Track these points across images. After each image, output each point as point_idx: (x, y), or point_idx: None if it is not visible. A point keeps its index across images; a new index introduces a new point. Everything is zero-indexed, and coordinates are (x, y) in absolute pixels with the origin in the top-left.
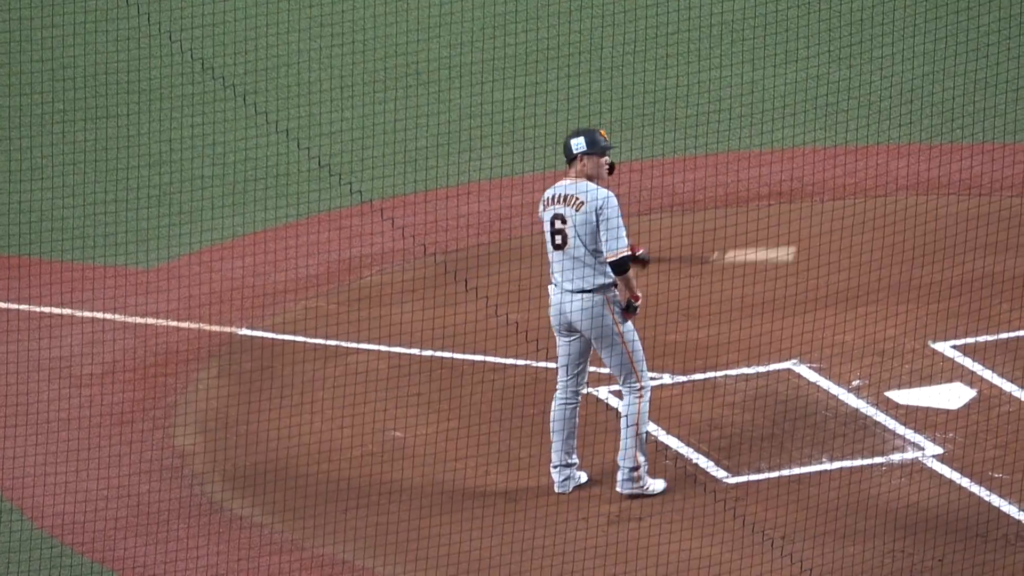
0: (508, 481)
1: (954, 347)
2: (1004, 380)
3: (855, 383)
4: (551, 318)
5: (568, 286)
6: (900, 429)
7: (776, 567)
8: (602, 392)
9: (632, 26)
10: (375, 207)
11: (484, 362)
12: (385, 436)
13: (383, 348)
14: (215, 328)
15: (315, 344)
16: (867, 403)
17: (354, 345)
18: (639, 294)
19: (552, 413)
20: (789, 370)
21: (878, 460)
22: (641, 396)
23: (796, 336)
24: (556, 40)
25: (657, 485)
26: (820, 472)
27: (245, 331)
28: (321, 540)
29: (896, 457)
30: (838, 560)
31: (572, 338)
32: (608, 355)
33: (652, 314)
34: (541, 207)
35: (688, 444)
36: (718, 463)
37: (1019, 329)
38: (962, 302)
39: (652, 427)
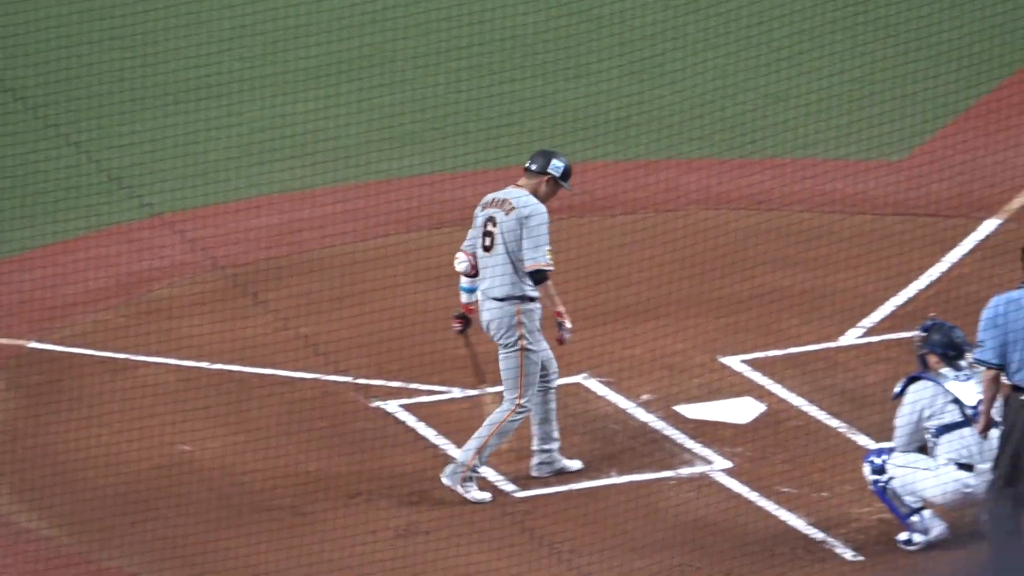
0: (296, 495)
1: (743, 361)
2: (793, 394)
3: (644, 397)
4: (481, 324)
5: (487, 289)
6: (689, 443)
7: None
8: (390, 405)
9: (424, 39)
10: (166, 220)
11: (273, 375)
12: (174, 449)
13: (172, 361)
14: (4, 341)
15: (104, 357)
16: (656, 417)
17: (143, 358)
18: (562, 310)
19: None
20: (578, 384)
21: (667, 474)
22: (515, 412)
23: (586, 350)
24: (349, 53)
25: (479, 495)
26: (609, 486)
27: (34, 344)
28: (109, 553)
29: (685, 471)
30: (626, 573)
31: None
32: (504, 364)
33: (443, 327)
34: (479, 207)
35: None
36: (507, 477)
37: (808, 344)
38: (751, 316)
39: (442, 441)
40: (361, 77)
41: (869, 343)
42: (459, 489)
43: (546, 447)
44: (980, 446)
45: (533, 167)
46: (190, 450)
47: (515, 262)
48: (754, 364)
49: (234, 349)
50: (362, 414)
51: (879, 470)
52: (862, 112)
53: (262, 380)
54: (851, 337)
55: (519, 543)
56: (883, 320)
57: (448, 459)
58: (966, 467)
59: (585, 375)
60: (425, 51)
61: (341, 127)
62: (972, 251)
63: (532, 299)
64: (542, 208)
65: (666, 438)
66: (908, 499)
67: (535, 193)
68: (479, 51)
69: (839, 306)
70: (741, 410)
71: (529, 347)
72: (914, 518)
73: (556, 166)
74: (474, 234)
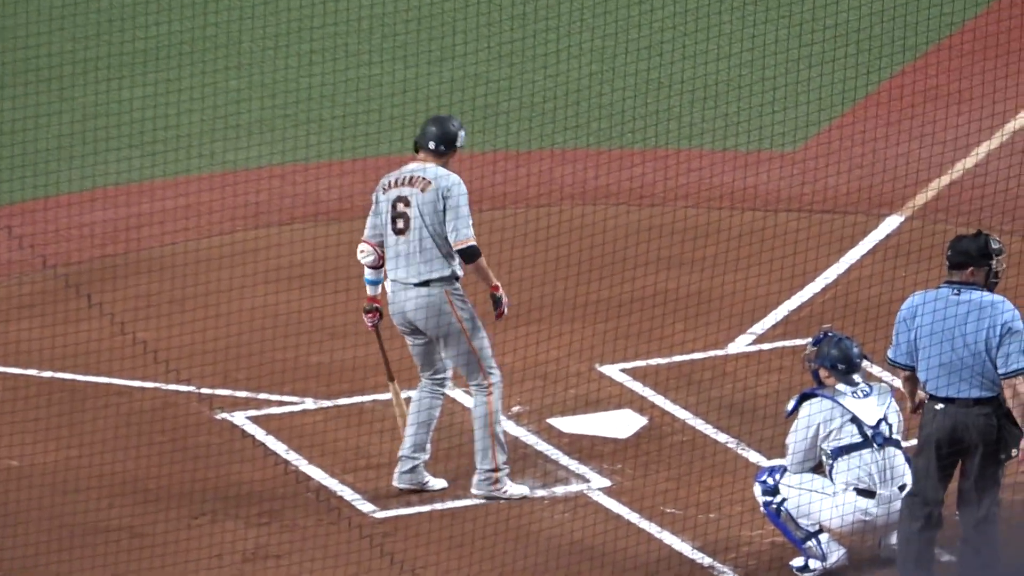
0: (134, 515)
1: (623, 371)
2: (677, 407)
3: (515, 409)
4: (391, 314)
5: (404, 277)
6: (564, 459)
7: None
8: (237, 417)
9: (273, 19)
10: None
11: (109, 384)
12: (0, 464)
13: None
14: None
15: None
16: (528, 431)
17: None
18: (498, 283)
19: (412, 400)
20: (443, 395)
21: (540, 493)
22: (491, 393)
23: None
24: (191, 34)
25: (517, 489)
26: (476, 506)
27: None
28: None
29: (560, 490)
30: None
31: (416, 336)
32: (452, 352)
33: (294, 332)
34: (380, 191)
35: (332, 475)
36: (364, 496)
37: (693, 352)
38: (632, 322)
39: (293, 456)
40: (204, 60)
41: (760, 351)
42: (497, 495)
43: (415, 456)
44: (880, 469)
45: (441, 147)
46: (18, 465)
47: (437, 242)
48: (635, 374)
49: (66, 356)
50: (206, 427)
51: (771, 491)
52: (752, 99)
53: (97, 389)
54: (740, 345)
55: (378, 568)
56: (775, 326)
57: (302, 475)
58: (865, 492)
59: (450, 385)
60: (274, 31)
61: (183, 114)
62: (872, 251)
63: (458, 278)
64: (459, 179)
65: (539, 454)
66: (803, 522)
67: (445, 167)
68: (333, 32)
69: (727, 311)
70: (621, 424)
71: (468, 324)
72: (810, 543)
73: (463, 137)
74: (377, 221)
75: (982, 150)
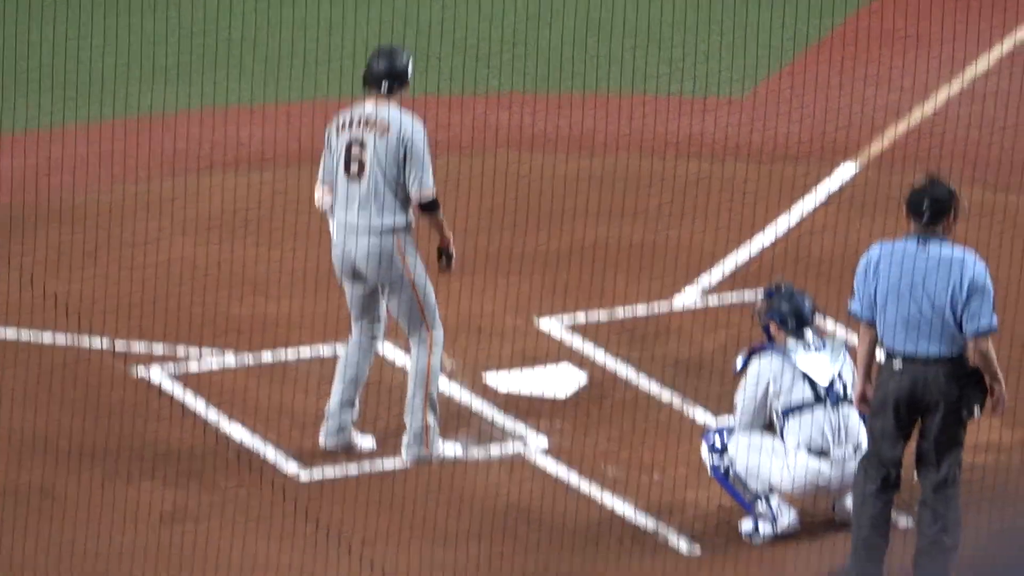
0: (45, 475)
1: (563, 325)
2: (619, 363)
3: (449, 365)
4: (334, 260)
5: (355, 222)
6: (500, 418)
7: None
8: (154, 373)
9: None
10: None
11: (18, 340)
12: None
13: None
14: None
15: None
16: (463, 388)
17: None
18: (450, 236)
19: (341, 355)
20: (373, 350)
21: (474, 453)
22: (432, 350)
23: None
24: None
25: (450, 450)
26: (406, 467)
27: None
28: None
29: (495, 450)
30: (427, 566)
31: (358, 285)
32: (396, 303)
33: (214, 286)
34: (333, 130)
35: (255, 433)
36: (289, 456)
37: (637, 305)
38: (572, 274)
39: (213, 415)
40: (119, 0)
41: (707, 305)
42: (428, 456)
43: (343, 414)
44: (834, 429)
45: (394, 84)
46: None
47: (393, 188)
48: (576, 328)
49: None
50: (121, 383)
51: (719, 451)
52: (699, 43)
53: (5, 344)
54: (687, 299)
55: (303, 532)
56: (723, 280)
57: (222, 434)
58: (819, 453)
59: (380, 340)
60: None
61: (96, 56)
62: (825, 201)
63: (410, 226)
64: (421, 125)
65: (474, 412)
66: (752, 484)
67: (399, 103)
68: None
69: (673, 264)
70: (560, 380)
71: (417, 276)
72: (760, 505)
73: (411, 67)
74: (329, 160)
75: (941, 96)
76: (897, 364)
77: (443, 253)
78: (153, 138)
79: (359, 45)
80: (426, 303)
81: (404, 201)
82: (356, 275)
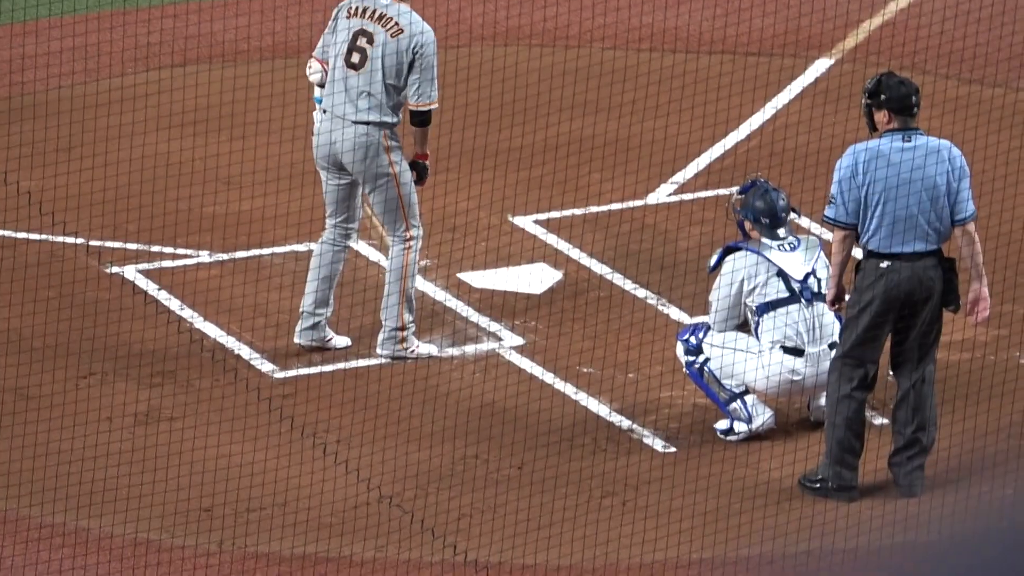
0: (20, 375)
1: (537, 222)
2: (594, 261)
3: (424, 263)
4: (316, 150)
5: (343, 112)
6: (475, 316)
7: (329, 476)
8: (128, 271)
9: None
10: None
11: None
12: None
13: None
14: None
15: None
16: (437, 286)
17: None
18: (428, 152)
19: (314, 253)
20: (347, 247)
21: (449, 352)
22: (409, 247)
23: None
24: None
25: (425, 348)
26: (382, 366)
27: None
28: None
29: (470, 348)
30: (401, 467)
31: (337, 176)
32: (378, 198)
33: (188, 182)
34: (342, 12)
35: (230, 332)
36: (263, 355)
37: (612, 202)
38: (547, 171)
39: (188, 313)
40: None
41: (682, 202)
42: (403, 354)
43: (318, 312)
44: (809, 326)
45: None
46: None
47: (389, 89)
48: (550, 225)
49: None
50: (95, 282)
51: (694, 350)
52: None
53: None
54: (661, 195)
55: (277, 432)
56: (698, 175)
57: (197, 333)
58: (793, 351)
59: (354, 238)
60: None
61: None
62: (800, 96)
63: (395, 124)
64: (433, 35)
65: (448, 310)
66: (728, 383)
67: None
68: None
69: (648, 159)
70: (535, 279)
71: (401, 171)
72: (735, 404)
73: None
74: (332, 40)
75: None
76: (884, 264)
77: (419, 166)
78: (127, 32)
79: None
80: (408, 201)
81: (396, 105)
82: (338, 166)
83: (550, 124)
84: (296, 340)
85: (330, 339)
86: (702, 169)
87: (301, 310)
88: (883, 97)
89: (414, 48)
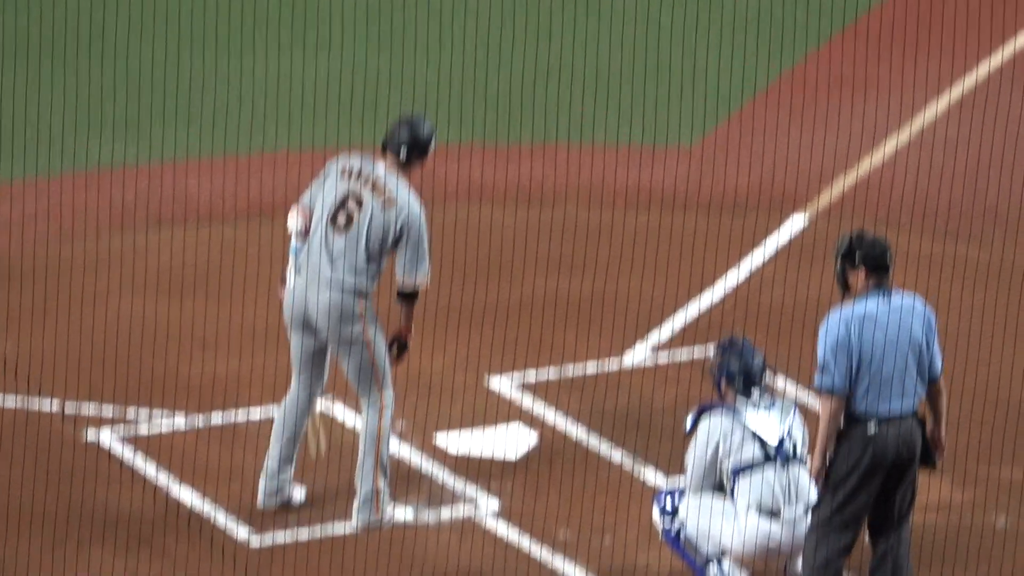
0: None
1: (513, 383)
2: (570, 422)
3: (399, 425)
4: (288, 309)
5: (317, 271)
6: (451, 480)
7: None
8: (104, 436)
9: (138, 8)
10: None
11: None
12: None
13: None
14: None
15: None
16: (412, 449)
17: None
18: (412, 329)
19: (278, 413)
20: (310, 409)
21: (425, 516)
22: (383, 413)
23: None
24: (51, 25)
25: (400, 513)
26: (357, 532)
27: None
28: None
29: (446, 512)
30: None
31: (308, 337)
32: (351, 364)
33: (163, 344)
34: (337, 168)
35: (205, 497)
36: (240, 520)
37: (587, 362)
38: (522, 330)
39: (165, 478)
40: (67, 52)
41: (658, 362)
42: (379, 519)
43: (283, 473)
44: (785, 488)
45: (412, 155)
46: None
47: (372, 256)
48: (526, 386)
49: None
50: (71, 446)
51: (670, 513)
52: (648, 90)
53: None
54: (637, 354)
55: None
56: (673, 336)
57: (173, 498)
58: (769, 513)
59: (328, 398)
60: (139, 22)
61: (43, 109)
62: (776, 253)
63: (371, 294)
64: (423, 213)
65: (424, 474)
66: (704, 547)
67: (407, 176)
68: (203, 21)
69: (623, 318)
70: (511, 440)
71: (374, 338)
72: (711, 569)
73: (432, 144)
74: (319, 195)
75: (890, 144)
76: (872, 428)
77: (399, 342)
78: (102, 193)
79: (307, 96)
80: (380, 365)
81: (375, 274)
82: (308, 327)
83: (525, 282)
84: (260, 503)
85: (291, 496)
86: (678, 328)
87: (264, 472)
88: (858, 256)
89: (404, 223)
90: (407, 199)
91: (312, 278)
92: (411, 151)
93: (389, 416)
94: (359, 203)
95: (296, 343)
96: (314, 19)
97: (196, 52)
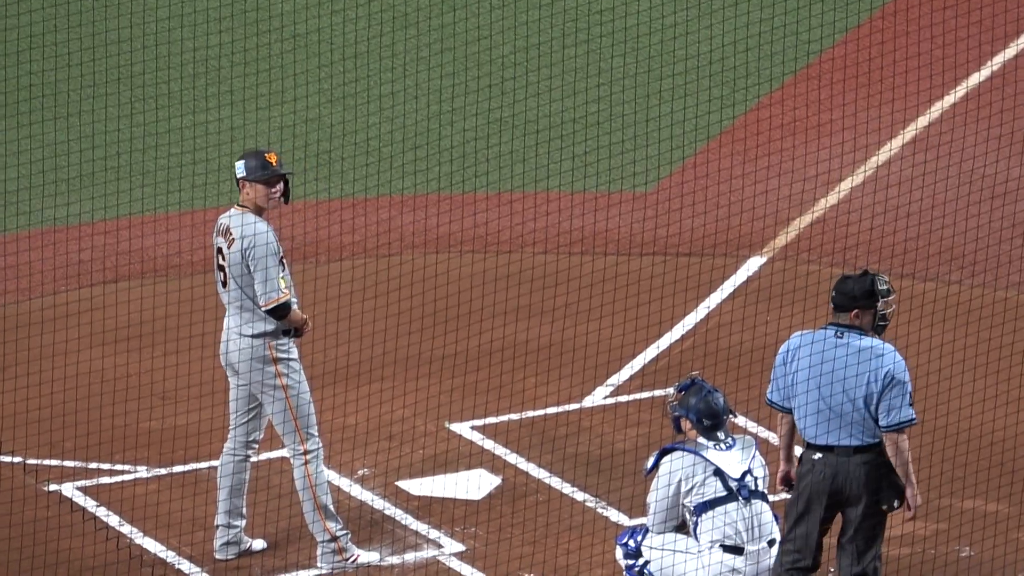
0: None
1: (475, 428)
2: (532, 465)
3: (361, 472)
4: (221, 356)
5: (234, 325)
6: (415, 524)
7: None
8: (67, 489)
9: (92, 66)
10: None
11: None
12: None
13: None
14: None
15: None
16: (376, 495)
17: None
18: (309, 326)
19: (219, 466)
20: (283, 459)
21: (390, 560)
22: (308, 461)
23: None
24: (4, 84)
25: (365, 556)
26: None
27: None
28: None
29: (411, 556)
30: None
31: (238, 382)
32: (270, 410)
33: (123, 397)
34: (214, 234)
35: (168, 547)
36: (204, 570)
37: (548, 406)
38: (482, 376)
39: (128, 529)
40: (21, 111)
41: (618, 404)
42: (344, 565)
43: (234, 524)
44: (748, 524)
45: (238, 186)
46: None
47: (251, 296)
48: (487, 431)
49: None
50: (34, 500)
51: (634, 553)
52: (603, 138)
53: None
54: (597, 398)
55: None
56: (633, 377)
57: (136, 549)
58: (733, 549)
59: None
60: (92, 80)
61: None
62: (733, 295)
63: (286, 332)
64: (262, 229)
65: (388, 519)
66: None
67: (259, 211)
68: (156, 78)
69: (583, 362)
70: (474, 484)
71: (291, 383)
72: None
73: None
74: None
75: (845, 186)
76: (816, 455)
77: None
78: (59, 250)
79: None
80: (299, 412)
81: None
82: (234, 372)
83: (483, 330)
84: (216, 555)
85: (248, 546)
86: (637, 371)
87: (216, 524)
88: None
89: (244, 251)
90: (241, 225)
91: (226, 332)
92: (237, 184)
93: (317, 464)
94: (222, 255)
95: (232, 389)
96: (267, 73)
97: (149, 108)
